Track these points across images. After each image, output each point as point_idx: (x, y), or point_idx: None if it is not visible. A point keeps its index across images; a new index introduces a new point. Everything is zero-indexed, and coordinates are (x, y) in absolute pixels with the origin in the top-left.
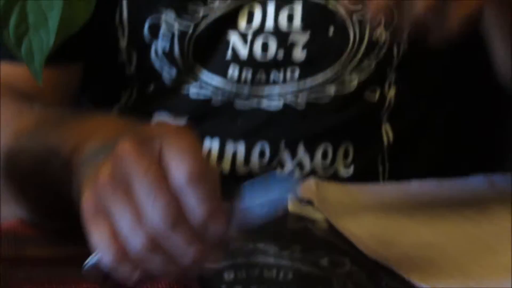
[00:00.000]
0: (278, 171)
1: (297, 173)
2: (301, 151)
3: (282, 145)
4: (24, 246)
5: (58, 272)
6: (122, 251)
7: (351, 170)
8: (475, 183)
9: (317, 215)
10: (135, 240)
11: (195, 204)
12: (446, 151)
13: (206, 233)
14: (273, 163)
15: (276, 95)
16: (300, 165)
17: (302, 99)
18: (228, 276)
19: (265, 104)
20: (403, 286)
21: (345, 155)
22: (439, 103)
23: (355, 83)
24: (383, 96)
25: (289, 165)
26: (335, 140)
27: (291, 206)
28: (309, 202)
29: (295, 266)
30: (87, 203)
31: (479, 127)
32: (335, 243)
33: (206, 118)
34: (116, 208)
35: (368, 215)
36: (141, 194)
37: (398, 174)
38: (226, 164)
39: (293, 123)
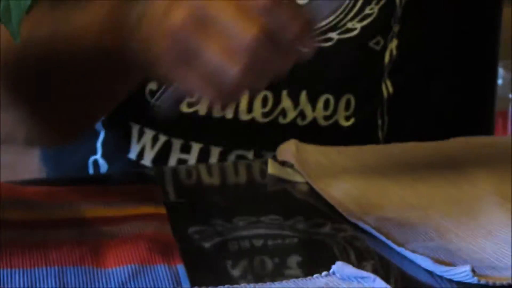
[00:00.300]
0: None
1: (298, 123)
2: (304, 100)
3: (285, 93)
4: (3, 209)
5: (40, 235)
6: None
7: (351, 121)
8: (455, 145)
9: (297, 178)
10: (231, 68)
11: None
12: (443, 109)
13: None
14: (275, 111)
15: None
16: (302, 115)
17: None
18: (208, 245)
19: None
20: (383, 248)
21: (347, 107)
22: (439, 60)
23: (358, 29)
24: (385, 47)
25: (291, 114)
26: (337, 91)
27: (271, 169)
28: (289, 165)
29: (274, 232)
30: (168, 52)
31: (467, 88)
32: (315, 205)
33: None
34: (208, 41)
35: (348, 178)
36: (230, 19)
37: (396, 129)
38: (229, 112)
39: (296, 70)
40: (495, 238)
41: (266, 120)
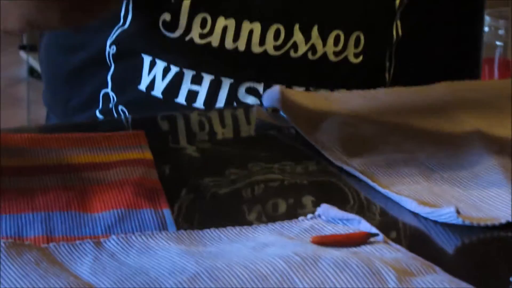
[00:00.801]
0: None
1: (309, 57)
2: (315, 34)
3: (297, 27)
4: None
5: (27, 181)
6: None
7: (360, 59)
8: (441, 89)
9: (283, 123)
10: None
11: None
12: (439, 56)
13: None
14: (287, 45)
15: None
16: (313, 49)
17: None
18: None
19: None
20: (368, 191)
21: (356, 44)
22: (440, 6)
23: None
24: None
25: (302, 48)
26: (347, 27)
27: (257, 114)
28: (275, 110)
29: (259, 176)
30: None
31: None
32: (301, 150)
33: None
34: None
35: (334, 121)
36: None
37: (403, 73)
38: (242, 44)
39: (308, 4)
40: (480, 180)
41: (278, 53)
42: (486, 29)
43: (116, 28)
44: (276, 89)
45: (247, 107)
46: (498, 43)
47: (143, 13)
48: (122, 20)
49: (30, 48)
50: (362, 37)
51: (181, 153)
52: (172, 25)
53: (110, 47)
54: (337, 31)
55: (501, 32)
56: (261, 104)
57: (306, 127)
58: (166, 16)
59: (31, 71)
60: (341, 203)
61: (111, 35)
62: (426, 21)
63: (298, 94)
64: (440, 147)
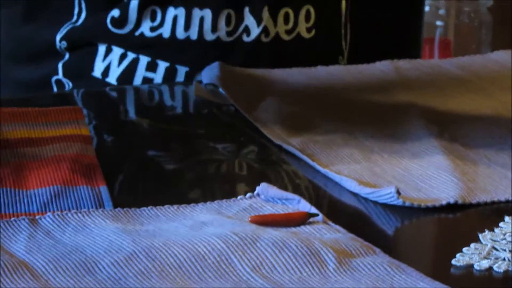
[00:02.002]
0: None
1: (262, 39)
2: (266, 15)
3: (247, 10)
4: None
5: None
6: None
7: (312, 33)
8: (382, 68)
9: (223, 100)
10: None
11: None
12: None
13: None
14: (239, 29)
15: None
16: (265, 31)
17: None
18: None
19: None
20: (307, 170)
21: (307, 18)
22: None
23: None
24: None
25: (254, 31)
26: (296, 3)
27: (196, 91)
28: (214, 86)
29: (198, 154)
30: None
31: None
32: (240, 127)
33: None
34: None
35: (274, 100)
36: None
37: (360, 39)
38: (194, 32)
39: None
40: (421, 161)
41: (231, 38)
42: (426, 8)
43: (67, 24)
44: (215, 65)
45: (186, 84)
46: (438, 23)
47: (96, 10)
48: (75, 17)
49: None
50: (312, 10)
51: (119, 129)
52: (121, 21)
53: (60, 42)
54: (286, 8)
55: (441, 12)
56: (201, 81)
57: (245, 105)
58: (115, 13)
59: None
60: (281, 182)
61: (61, 30)
62: None
63: (238, 71)
64: (381, 127)
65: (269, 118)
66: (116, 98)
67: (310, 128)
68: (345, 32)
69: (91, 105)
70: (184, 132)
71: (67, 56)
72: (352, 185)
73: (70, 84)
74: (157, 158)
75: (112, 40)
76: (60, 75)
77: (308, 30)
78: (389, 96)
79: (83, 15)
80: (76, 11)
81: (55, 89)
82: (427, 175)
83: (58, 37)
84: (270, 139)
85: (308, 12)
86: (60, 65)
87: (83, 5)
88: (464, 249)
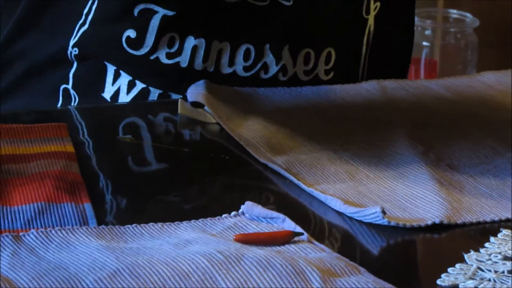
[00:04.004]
0: (262, 74)
1: (280, 77)
2: (286, 54)
3: (267, 47)
4: None
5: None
6: None
7: (331, 75)
8: (368, 88)
9: (208, 118)
10: None
11: None
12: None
13: None
14: (257, 65)
15: None
16: (283, 70)
17: None
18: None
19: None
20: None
21: (327, 61)
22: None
23: None
24: None
25: (273, 68)
26: (318, 45)
27: (181, 109)
28: (200, 105)
29: (183, 173)
30: None
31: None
32: (225, 146)
33: (193, 11)
34: None
35: (259, 118)
36: None
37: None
38: (211, 64)
39: (278, 23)
40: (406, 180)
41: (248, 74)
42: None
43: (77, 26)
44: (201, 83)
45: (171, 102)
46: (424, 43)
47: (105, 20)
48: (83, 18)
49: None
50: (333, 53)
51: (104, 147)
52: (137, 43)
53: (72, 48)
54: (307, 49)
55: (427, 32)
56: (185, 98)
57: (230, 123)
58: (131, 33)
59: None
60: (266, 201)
61: (74, 35)
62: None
63: (223, 89)
64: (366, 146)
65: (254, 136)
66: (102, 115)
67: (295, 147)
68: (362, 75)
69: (76, 121)
70: (169, 150)
71: (75, 65)
72: (337, 204)
73: (77, 98)
74: (141, 176)
75: (123, 61)
76: (70, 85)
77: (327, 72)
78: (375, 116)
79: (90, 17)
80: (85, 10)
81: (61, 100)
82: (412, 195)
83: (71, 43)
84: (255, 157)
85: (329, 54)
86: (71, 74)
87: (94, 7)
88: (450, 269)
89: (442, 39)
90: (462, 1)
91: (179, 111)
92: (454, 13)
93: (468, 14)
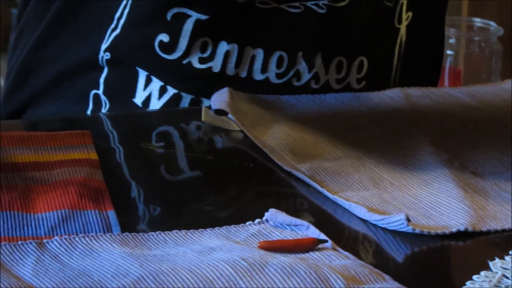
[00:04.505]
0: (294, 81)
1: (312, 85)
2: (318, 62)
3: (300, 55)
4: None
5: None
6: None
7: (363, 84)
8: (392, 95)
9: (232, 126)
10: None
11: None
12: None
13: None
14: (290, 73)
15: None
16: (316, 77)
17: (322, 2)
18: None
19: (286, 6)
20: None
21: (359, 69)
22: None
23: None
24: (397, 3)
25: (305, 76)
26: (350, 53)
27: (205, 117)
28: (223, 112)
29: (207, 180)
30: None
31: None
32: (249, 154)
33: (226, 16)
34: None
35: (283, 126)
36: None
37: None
38: (243, 70)
39: (311, 31)
40: (431, 188)
41: (280, 81)
42: None
43: (109, 30)
44: (224, 91)
45: (195, 109)
46: (449, 52)
47: (138, 24)
48: (115, 22)
49: None
50: (365, 62)
51: (127, 154)
52: (169, 47)
53: (104, 52)
54: (340, 57)
55: (451, 41)
56: (209, 106)
57: (254, 131)
58: (164, 37)
59: None
60: (290, 208)
61: (105, 40)
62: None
63: (247, 97)
64: (391, 153)
65: (278, 144)
66: (126, 122)
67: (319, 154)
68: (393, 84)
69: (96, 129)
70: (193, 157)
71: (106, 71)
72: (361, 212)
73: (107, 104)
74: (165, 183)
75: (155, 66)
76: (101, 91)
77: (359, 81)
78: (399, 123)
79: (122, 21)
80: (117, 15)
81: (91, 105)
82: (437, 202)
83: (103, 47)
84: (279, 165)
85: (361, 63)
86: (101, 80)
87: (126, 11)
88: (474, 277)
89: (466, 47)
90: (486, 10)
91: (203, 119)
92: (478, 21)
93: (492, 23)
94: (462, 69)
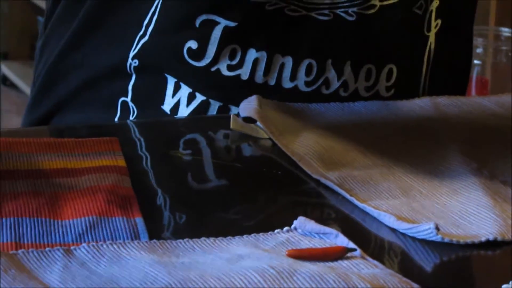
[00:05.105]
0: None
1: (341, 93)
2: (347, 70)
3: (329, 63)
4: None
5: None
6: None
7: (391, 92)
8: (421, 104)
9: (260, 133)
10: None
11: None
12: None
13: None
14: (319, 81)
15: (326, 6)
16: (344, 85)
17: (352, 10)
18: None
19: (316, 14)
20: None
21: (388, 77)
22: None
23: None
24: (426, 10)
25: (334, 84)
26: (379, 61)
27: (233, 124)
28: (252, 120)
29: (236, 187)
30: None
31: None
32: (278, 161)
33: (255, 23)
34: None
35: (312, 134)
36: None
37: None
38: (272, 78)
39: (340, 39)
40: (460, 197)
41: (309, 89)
42: None
43: (137, 37)
44: (253, 99)
45: (223, 117)
46: (476, 61)
47: (166, 31)
48: (143, 29)
49: (3, 56)
50: (394, 70)
51: (155, 161)
52: (198, 54)
53: (132, 59)
54: (369, 65)
55: (478, 50)
56: (238, 114)
57: (283, 139)
58: (192, 44)
59: (4, 80)
60: (318, 217)
61: (133, 47)
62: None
63: (275, 104)
64: (419, 162)
65: (307, 152)
66: (153, 129)
67: (348, 162)
68: (422, 92)
69: (125, 135)
70: (221, 165)
71: (134, 78)
72: (390, 220)
73: (136, 111)
74: (193, 191)
75: (184, 73)
76: (129, 98)
77: (388, 89)
78: (427, 132)
79: (150, 28)
80: (145, 22)
81: (119, 113)
82: (466, 212)
83: (131, 54)
84: (308, 173)
85: (390, 71)
86: (130, 87)
87: (154, 19)
88: (504, 286)
89: (493, 57)
90: None
91: (231, 127)
92: (505, 31)
93: None
94: (489, 79)
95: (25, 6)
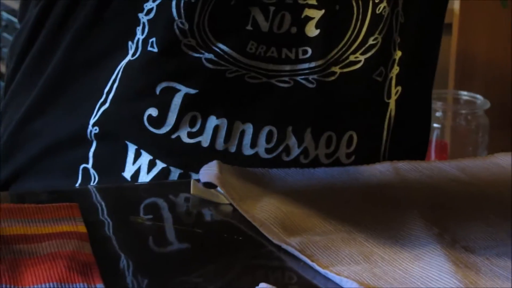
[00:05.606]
0: (284, 156)
1: (301, 160)
2: (308, 137)
3: (290, 130)
4: None
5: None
6: None
7: (352, 159)
8: (381, 169)
9: (221, 199)
10: None
11: None
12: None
13: None
14: (279, 148)
15: (287, 74)
16: (305, 152)
17: (312, 77)
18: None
19: (276, 81)
20: (307, 271)
21: (348, 144)
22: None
23: (361, 62)
24: (386, 77)
25: (295, 151)
26: (339, 128)
27: (193, 189)
28: (212, 185)
29: (196, 253)
30: None
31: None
32: (238, 227)
33: (215, 91)
34: None
35: (272, 199)
36: None
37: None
38: (233, 145)
39: (300, 106)
40: (422, 262)
41: (269, 156)
42: None
43: (98, 104)
44: (213, 164)
45: (184, 182)
46: (435, 125)
47: (127, 98)
48: (104, 96)
49: None
50: (355, 137)
51: (116, 227)
52: (158, 121)
53: (93, 126)
54: (330, 132)
55: (438, 114)
56: (198, 179)
57: (243, 204)
58: (153, 111)
59: None
60: (280, 282)
61: (94, 114)
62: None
63: (235, 170)
64: (381, 227)
65: (267, 217)
66: (114, 195)
67: (309, 228)
68: (383, 159)
69: (85, 201)
70: (181, 231)
71: (94, 145)
72: (352, 286)
73: (97, 178)
74: (154, 256)
75: (144, 141)
76: (90, 165)
77: (348, 155)
78: (388, 197)
79: (111, 96)
80: (106, 89)
81: (80, 179)
82: (428, 277)
83: (91, 122)
84: (269, 238)
85: (350, 138)
86: (91, 154)
87: (115, 86)
88: None
89: (453, 120)
90: (472, 83)
91: (191, 192)
92: (464, 94)
93: (478, 96)
94: (449, 142)
95: None
